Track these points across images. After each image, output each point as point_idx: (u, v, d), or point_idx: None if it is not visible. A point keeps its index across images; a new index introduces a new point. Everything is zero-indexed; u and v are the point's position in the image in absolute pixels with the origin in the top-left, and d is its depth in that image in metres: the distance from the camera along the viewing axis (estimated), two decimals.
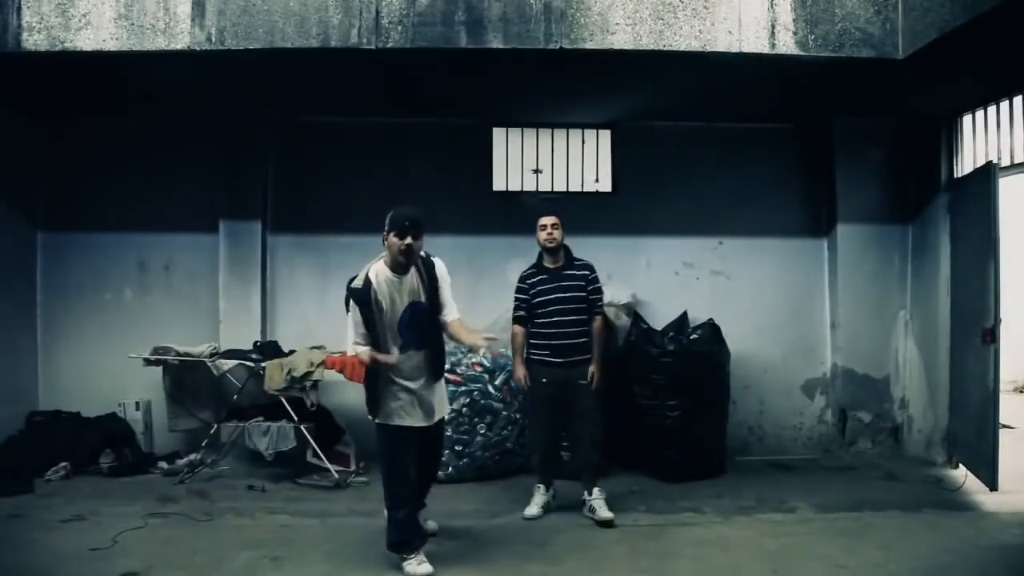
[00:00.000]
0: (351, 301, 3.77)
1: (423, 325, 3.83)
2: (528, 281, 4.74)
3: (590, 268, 4.76)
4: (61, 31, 4.57)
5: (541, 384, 4.67)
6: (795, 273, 6.53)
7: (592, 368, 4.65)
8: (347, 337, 3.86)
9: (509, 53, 4.64)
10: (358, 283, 3.75)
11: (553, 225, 4.66)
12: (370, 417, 3.96)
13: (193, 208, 6.28)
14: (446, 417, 4.29)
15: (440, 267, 3.95)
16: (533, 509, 4.69)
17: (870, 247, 6.36)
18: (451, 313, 3.96)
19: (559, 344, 4.62)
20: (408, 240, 3.67)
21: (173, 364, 5.69)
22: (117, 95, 5.72)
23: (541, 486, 4.78)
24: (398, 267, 3.77)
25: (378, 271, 3.78)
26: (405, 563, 3.76)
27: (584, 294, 4.67)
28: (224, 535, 4.33)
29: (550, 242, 4.66)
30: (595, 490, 4.66)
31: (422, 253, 3.84)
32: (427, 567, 3.73)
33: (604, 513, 4.54)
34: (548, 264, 4.73)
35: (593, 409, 4.68)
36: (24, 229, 6.22)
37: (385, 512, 3.95)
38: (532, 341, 4.75)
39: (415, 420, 3.86)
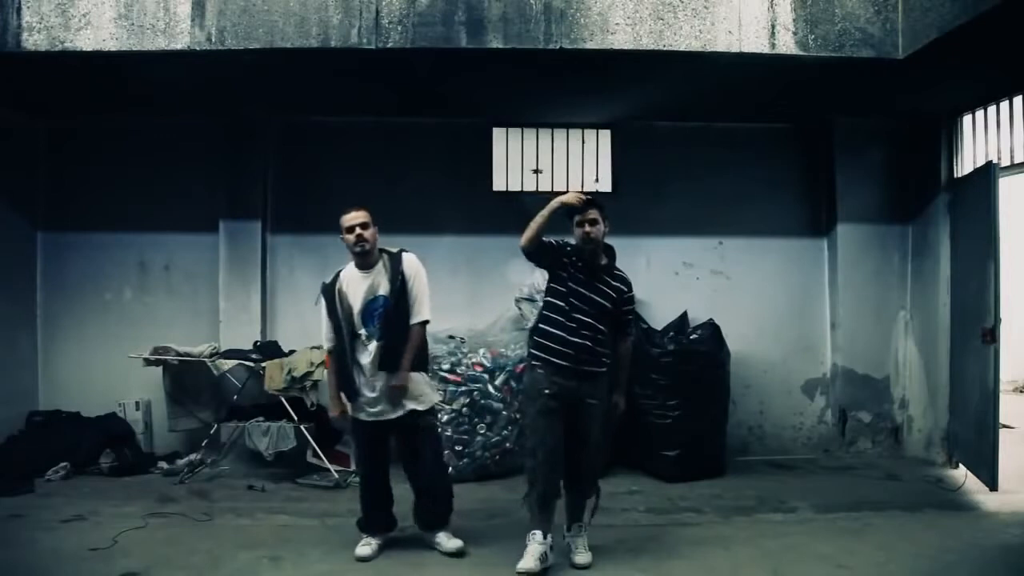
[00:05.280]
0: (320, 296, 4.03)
1: (379, 318, 3.91)
2: (571, 255, 3.84)
3: (628, 285, 3.95)
4: (61, 31, 4.57)
5: (542, 395, 3.74)
6: (795, 273, 6.52)
7: (616, 396, 3.91)
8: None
9: (509, 53, 4.64)
10: (328, 279, 4.04)
11: (591, 221, 3.76)
12: None
13: (193, 208, 6.27)
14: (420, 409, 3.92)
15: (408, 262, 3.97)
16: (531, 562, 3.66)
17: (870, 247, 6.36)
18: (417, 314, 3.94)
19: (576, 343, 3.74)
20: (357, 231, 3.91)
21: (173, 364, 5.70)
22: (117, 95, 5.72)
23: (537, 532, 3.74)
24: (360, 262, 3.98)
25: (348, 269, 4.05)
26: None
27: (610, 306, 3.83)
28: (224, 535, 4.32)
29: (586, 241, 3.79)
30: (575, 526, 3.91)
31: (392, 249, 4.03)
32: (366, 550, 3.94)
33: (583, 556, 3.84)
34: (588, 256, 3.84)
35: (600, 437, 3.89)
36: (24, 229, 6.22)
37: None
38: (538, 339, 3.87)
39: (363, 414, 3.96)
